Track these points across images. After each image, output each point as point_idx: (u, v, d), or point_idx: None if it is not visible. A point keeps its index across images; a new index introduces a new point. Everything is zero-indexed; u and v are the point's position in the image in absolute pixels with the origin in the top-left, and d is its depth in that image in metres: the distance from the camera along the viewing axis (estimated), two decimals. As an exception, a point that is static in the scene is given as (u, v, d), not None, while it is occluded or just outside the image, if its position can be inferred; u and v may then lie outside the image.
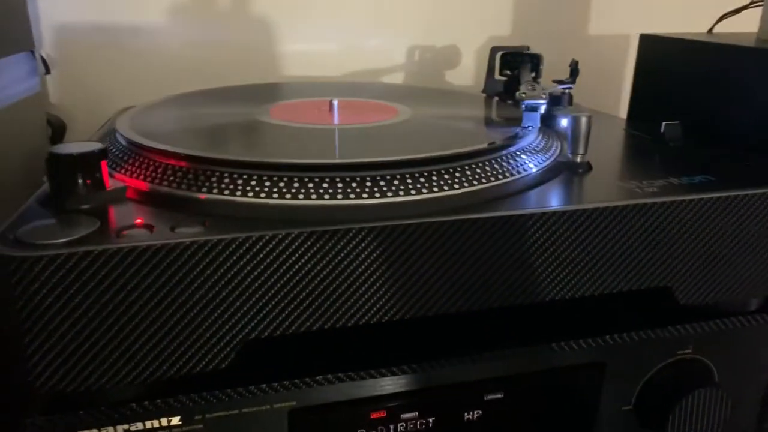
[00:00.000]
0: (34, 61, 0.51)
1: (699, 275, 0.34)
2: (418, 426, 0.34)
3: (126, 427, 0.28)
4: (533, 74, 0.55)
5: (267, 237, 0.27)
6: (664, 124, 0.43)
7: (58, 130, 0.55)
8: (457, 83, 0.75)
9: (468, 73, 0.75)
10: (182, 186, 0.31)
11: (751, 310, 0.37)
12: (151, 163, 0.33)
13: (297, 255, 0.27)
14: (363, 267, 0.28)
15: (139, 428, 0.29)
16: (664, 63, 0.50)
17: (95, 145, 0.31)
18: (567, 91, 0.51)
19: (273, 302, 0.28)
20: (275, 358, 0.31)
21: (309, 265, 0.27)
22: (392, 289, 0.29)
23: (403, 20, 0.71)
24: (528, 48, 0.56)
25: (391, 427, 0.33)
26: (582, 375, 0.35)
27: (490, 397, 0.34)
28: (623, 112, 0.82)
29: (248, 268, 0.27)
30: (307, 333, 0.29)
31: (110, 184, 0.31)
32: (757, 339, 0.38)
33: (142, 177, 0.32)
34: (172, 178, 0.31)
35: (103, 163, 0.31)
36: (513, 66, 0.57)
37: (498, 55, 0.57)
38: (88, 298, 0.25)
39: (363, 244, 0.28)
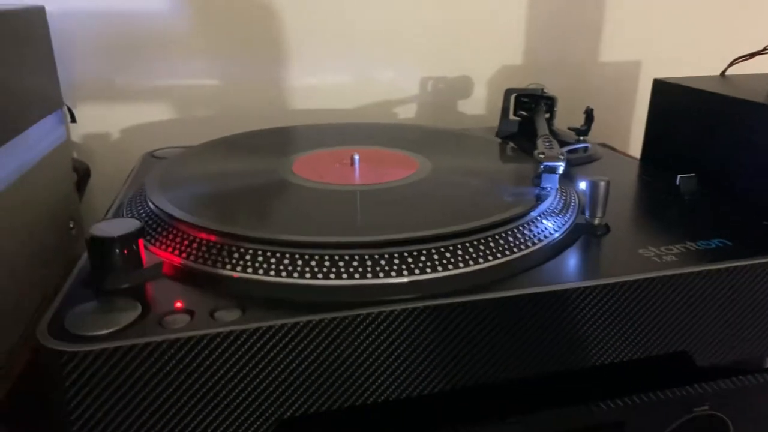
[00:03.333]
0: (61, 113, 0.52)
1: (716, 339, 0.35)
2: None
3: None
4: (548, 115, 0.56)
5: (301, 323, 0.28)
6: (679, 177, 0.43)
7: (83, 175, 0.56)
8: (470, 113, 0.76)
9: (480, 102, 0.76)
10: (216, 264, 0.32)
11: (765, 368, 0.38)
12: (184, 235, 0.34)
13: (331, 338, 0.28)
14: (395, 346, 0.29)
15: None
16: (677, 109, 0.50)
17: (134, 224, 0.32)
18: (582, 138, 0.52)
19: (308, 382, 0.29)
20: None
21: (343, 347, 0.29)
22: (423, 365, 0.30)
23: (415, 51, 0.72)
24: (543, 89, 0.57)
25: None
26: (601, 434, 0.36)
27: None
28: (633, 140, 0.84)
29: (284, 352, 0.28)
30: (338, 410, 0.30)
31: (146, 258, 0.33)
32: (773, 395, 0.38)
33: (176, 252, 0.33)
34: (206, 254, 0.32)
35: (140, 242, 0.32)
36: (527, 107, 0.58)
37: (512, 97, 0.58)
38: (133, 389, 0.26)
39: (392, 326, 0.29)
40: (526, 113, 0.58)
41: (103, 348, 0.26)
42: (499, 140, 0.56)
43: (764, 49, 0.49)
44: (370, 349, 0.29)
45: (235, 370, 0.28)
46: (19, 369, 0.38)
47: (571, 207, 0.40)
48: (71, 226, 0.53)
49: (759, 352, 0.36)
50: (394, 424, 0.33)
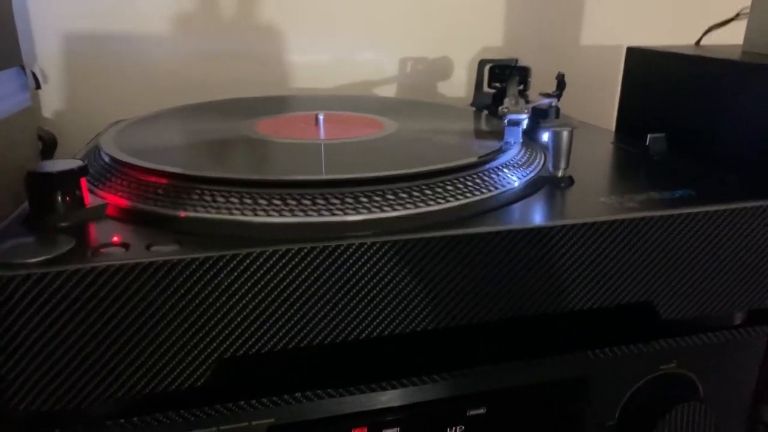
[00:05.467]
0: (24, 76, 0.51)
1: (680, 290, 0.34)
2: (401, 442, 0.33)
3: (102, 445, 0.28)
4: (521, 87, 0.56)
5: (240, 255, 0.27)
6: (648, 136, 0.43)
7: (49, 145, 0.55)
8: (450, 95, 0.76)
9: (460, 84, 0.76)
10: (161, 203, 0.31)
11: (736, 324, 0.37)
12: (131, 180, 0.33)
13: (272, 273, 0.27)
14: (340, 284, 0.28)
15: (114, 447, 0.28)
16: (651, 76, 0.50)
17: (75, 163, 0.31)
18: (553, 105, 0.51)
19: (247, 321, 0.28)
20: (253, 375, 0.31)
21: (284, 284, 0.28)
22: (370, 305, 0.29)
23: (396, 32, 0.71)
24: (517, 60, 0.57)
25: (373, 443, 0.33)
26: (564, 390, 0.35)
27: (472, 412, 0.34)
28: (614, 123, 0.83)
29: (222, 286, 0.27)
30: (285, 350, 0.29)
31: (90, 201, 0.31)
32: (741, 353, 0.37)
33: (122, 194, 0.32)
34: (151, 195, 0.31)
35: (83, 181, 0.31)
36: (502, 78, 0.57)
37: (486, 68, 0.57)
38: (63, 317, 0.25)
39: (341, 261, 0.28)
40: (500, 84, 0.57)
41: (31, 273, 0.25)
42: (473, 109, 0.56)
43: (737, 15, 0.49)
44: (311, 287, 0.28)
45: (170, 303, 0.26)
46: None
47: (536, 162, 0.39)
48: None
49: (725, 307, 0.35)
50: (342, 369, 0.32)
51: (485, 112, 0.54)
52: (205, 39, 0.65)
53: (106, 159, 0.36)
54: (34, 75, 0.52)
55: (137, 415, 0.28)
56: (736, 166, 0.40)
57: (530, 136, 0.45)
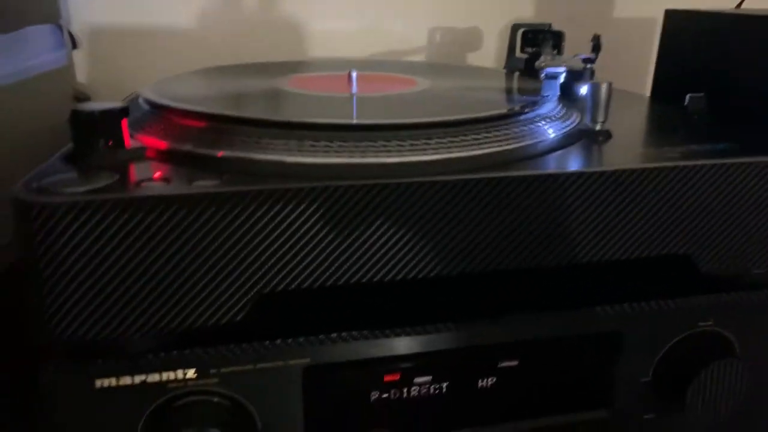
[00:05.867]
0: (60, 34, 0.52)
1: (721, 244, 0.33)
2: (432, 391, 0.34)
3: (143, 377, 0.29)
4: (555, 51, 0.55)
5: (282, 190, 0.27)
6: (688, 96, 0.42)
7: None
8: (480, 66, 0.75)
9: (489, 55, 0.75)
10: (200, 144, 0.31)
11: (775, 283, 0.36)
12: (171, 123, 0.33)
13: (313, 209, 0.27)
14: (380, 223, 0.28)
15: (155, 379, 0.29)
16: (690, 38, 0.49)
17: (116, 104, 0.31)
18: (589, 65, 0.50)
19: (288, 256, 0.28)
20: (291, 314, 0.31)
21: (325, 220, 0.28)
22: (409, 246, 0.29)
23: (425, 2, 0.71)
24: (550, 25, 0.56)
25: (404, 390, 0.33)
26: (599, 344, 0.35)
27: (504, 364, 0.34)
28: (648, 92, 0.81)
29: (264, 220, 0.27)
30: (323, 289, 0.29)
31: (130, 144, 0.32)
32: (781, 313, 0.37)
33: (161, 137, 0.32)
34: (190, 137, 0.32)
35: (124, 122, 0.31)
36: (534, 43, 0.56)
37: (519, 33, 0.56)
38: (107, 247, 0.26)
39: (380, 200, 0.28)
40: (533, 49, 0.56)
41: (77, 200, 0.25)
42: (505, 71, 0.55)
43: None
44: (352, 225, 0.28)
45: (212, 236, 0.27)
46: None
47: (573, 117, 0.38)
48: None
49: (765, 265, 0.35)
50: (378, 309, 0.32)
51: (517, 73, 0.53)
52: (234, 6, 0.65)
53: (146, 106, 0.37)
54: (71, 34, 0.53)
55: (176, 349, 0.29)
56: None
57: (567, 97, 0.44)
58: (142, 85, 0.59)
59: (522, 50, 0.57)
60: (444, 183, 0.28)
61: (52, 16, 0.49)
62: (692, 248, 0.33)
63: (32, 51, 0.46)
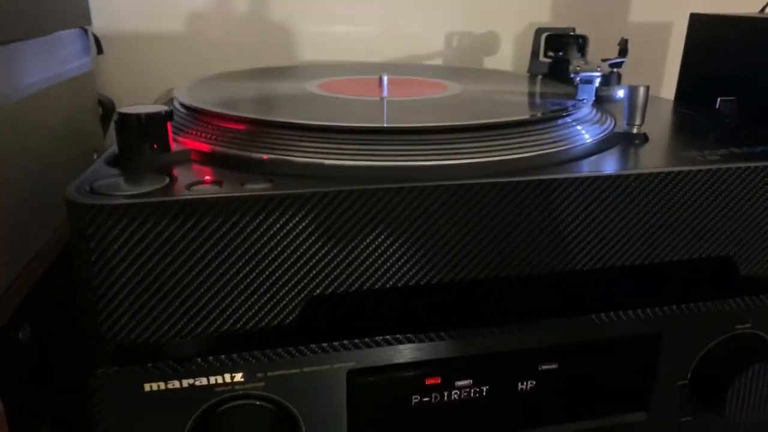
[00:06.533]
0: (87, 39, 0.52)
1: (760, 246, 0.33)
2: (472, 394, 0.34)
3: (191, 381, 0.29)
4: (579, 55, 0.55)
5: (333, 193, 0.27)
6: (719, 100, 0.42)
7: (109, 111, 0.56)
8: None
9: (506, 59, 0.75)
10: (245, 147, 0.31)
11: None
12: (212, 126, 0.33)
13: (363, 212, 0.27)
14: (426, 226, 0.28)
15: (203, 383, 0.29)
16: (715, 42, 0.49)
17: (162, 107, 0.31)
18: (616, 69, 0.51)
19: (336, 260, 0.28)
20: (336, 318, 0.31)
21: (373, 223, 0.28)
22: (450, 248, 0.29)
23: (442, 5, 0.71)
24: (573, 30, 0.56)
25: (446, 393, 0.33)
26: (637, 346, 0.35)
27: (544, 367, 0.34)
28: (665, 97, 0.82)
29: (315, 224, 0.27)
30: (369, 292, 0.29)
31: (174, 147, 0.32)
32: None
33: (203, 140, 0.33)
34: (234, 140, 0.32)
35: (168, 125, 0.31)
36: (558, 47, 0.57)
37: (543, 36, 0.57)
38: (160, 250, 0.26)
39: (427, 203, 0.28)
40: (556, 54, 0.56)
41: (132, 203, 0.25)
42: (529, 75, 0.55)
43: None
44: (400, 228, 0.28)
45: (264, 239, 0.27)
46: (42, 269, 0.38)
47: (608, 121, 0.39)
48: (95, 157, 0.53)
49: (805, 267, 0.35)
50: (419, 313, 0.32)
51: (540, 77, 0.53)
52: (255, 9, 0.66)
53: (182, 110, 0.37)
54: (96, 39, 0.53)
55: (224, 353, 0.29)
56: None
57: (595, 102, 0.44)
58: (158, 90, 0.60)
59: (545, 54, 0.57)
60: (485, 185, 0.29)
61: (80, 20, 0.49)
62: (732, 250, 0.33)
63: (62, 55, 0.46)
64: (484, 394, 0.34)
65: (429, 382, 0.33)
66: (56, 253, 0.40)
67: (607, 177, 0.30)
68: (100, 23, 0.59)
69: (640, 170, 0.30)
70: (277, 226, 0.27)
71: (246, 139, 0.31)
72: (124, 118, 0.30)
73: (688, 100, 0.51)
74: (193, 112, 0.35)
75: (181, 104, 0.37)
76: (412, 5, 0.70)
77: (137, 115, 0.30)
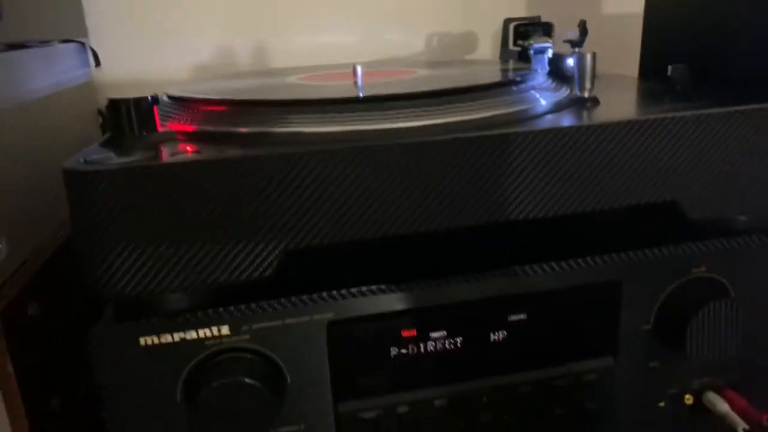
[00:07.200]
0: (84, 52, 0.56)
1: (703, 191, 0.36)
2: (447, 345, 0.36)
3: (181, 335, 0.32)
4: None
5: (302, 153, 0.30)
6: (670, 66, 0.45)
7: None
8: (476, 67, 0.79)
9: (485, 57, 0.78)
10: (225, 124, 0.34)
11: (763, 228, 0.39)
12: (197, 111, 0.37)
13: (330, 168, 0.30)
14: (395, 179, 0.31)
15: (192, 336, 0.32)
16: (672, 14, 0.51)
17: (148, 94, 0.35)
18: (576, 50, 0.54)
19: (308, 215, 0.31)
20: (315, 271, 0.34)
21: (342, 177, 0.30)
22: (421, 200, 0.32)
23: (422, 9, 0.75)
24: (539, 17, 0.59)
25: (422, 345, 0.36)
26: (600, 293, 0.37)
27: (513, 318, 0.37)
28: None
29: (287, 180, 0.30)
30: (343, 245, 0.32)
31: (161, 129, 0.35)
32: (770, 258, 0.39)
33: (189, 122, 0.36)
34: (216, 119, 0.35)
35: (155, 109, 0.34)
36: (526, 36, 0.60)
37: (511, 26, 0.60)
38: (146, 210, 0.29)
39: (395, 159, 0.31)
40: (525, 42, 0.59)
41: (120, 168, 0.28)
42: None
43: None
44: (367, 182, 0.31)
45: (237, 198, 0.30)
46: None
47: (563, 89, 0.41)
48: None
49: (749, 209, 0.37)
50: (393, 265, 0.35)
51: (511, 61, 0.56)
52: (238, 20, 0.69)
53: (170, 101, 0.40)
54: (93, 52, 0.57)
55: (210, 308, 0.32)
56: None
57: (557, 78, 0.47)
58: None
59: (515, 43, 0.61)
60: (444, 141, 0.31)
61: (79, 31, 0.53)
62: (678, 195, 0.35)
63: (63, 66, 0.49)
64: (459, 345, 0.36)
65: (405, 334, 0.35)
66: (61, 241, 0.43)
67: (559, 130, 0.33)
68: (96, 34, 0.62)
69: (586, 122, 0.33)
70: (251, 183, 0.30)
71: (227, 118, 0.35)
72: (115, 103, 0.33)
73: (652, 73, 0.54)
74: (179, 101, 0.39)
75: (169, 96, 0.40)
76: (392, 10, 0.74)
77: (126, 100, 0.33)
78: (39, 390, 0.38)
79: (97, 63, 0.58)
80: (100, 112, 0.60)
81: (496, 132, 0.32)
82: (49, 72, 0.47)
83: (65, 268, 0.41)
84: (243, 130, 0.33)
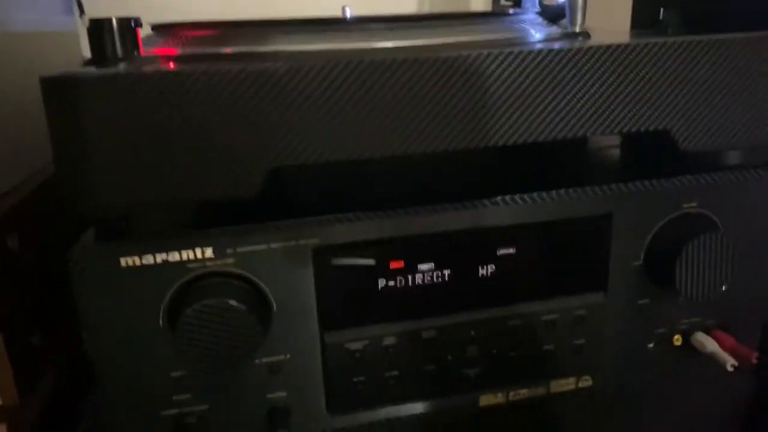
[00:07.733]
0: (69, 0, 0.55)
1: (695, 120, 0.35)
2: (435, 278, 0.36)
3: (164, 256, 0.31)
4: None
5: (287, 68, 0.29)
6: (662, 10, 0.44)
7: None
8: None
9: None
10: (211, 45, 0.34)
11: (755, 164, 0.38)
12: (181, 36, 0.36)
13: (315, 83, 0.30)
14: (386, 97, 0.30)
15: (175, 258, 0.31)
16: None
17: (131, 16, 0.34)
18: None
19: (291, 132, 0.30)
20: (301, 195, 0.34)
21: (327, 95, 0.30)
22: (409, 121, 0.31)
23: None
24: (532, -29, 0.59)
25: (409, 276, 0.35)
26: (590, 227, 0.37)
27: (502, 252, 0.36)
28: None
29: (270, 95, 0.29)
30: (327, 166, 0.31)
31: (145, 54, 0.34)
32: (763, 195, 0.38)
33: (173, 46, 0.35)
34: (201, 42, 0.34)
35: (138, 31, 0.34)
36: (518, -10, 0.59)
37: (504, -21, 0.59)
38: (130, 120, 0.28)
39: (379, 77, 0.30)
40: (518, -4, 0.59)
41: (98, 76, 0.27)
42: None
43: None
44: (352, 100, 0.30)
45: (221, 109, 0.29)
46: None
47: (554, 27, 0.41)
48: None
49: (740, 141, 0.37)
50: (377, 191, 0.34)
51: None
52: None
53: (155, 32, 0.39)
54: (78, 1, 0.56)
55: (194, 229, 0.31)
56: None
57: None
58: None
59: (506, -3, 0.60)
60: (438, 59, 0.31)
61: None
62: (670, 124, 0.35)
63: (45, 7, 0.48)
64: (446, 278, 0.36)
65: (393, 265, 0.35)
66: (43, 179, 0.42)
67: (548, 51, 0.32)
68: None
69: (580, 45, 0.33)
70: (234, 98, 0.29)
71: (210, 39, 0.34)
72: (96, 22, 0.32)
73: (643, 23, 0.54)
74: (162, 29, 0.38)
75: (153, 27, 0.39)
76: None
77: (109, 19, 0.32)
78: (21, 327, 0.37)
79: (81, 11, 0.57)
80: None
81: (484, 51, 0.31)
82: (30, 11, 0.45)
83: (46, 204, 0.40)
84: (227, 50, 0.33)
